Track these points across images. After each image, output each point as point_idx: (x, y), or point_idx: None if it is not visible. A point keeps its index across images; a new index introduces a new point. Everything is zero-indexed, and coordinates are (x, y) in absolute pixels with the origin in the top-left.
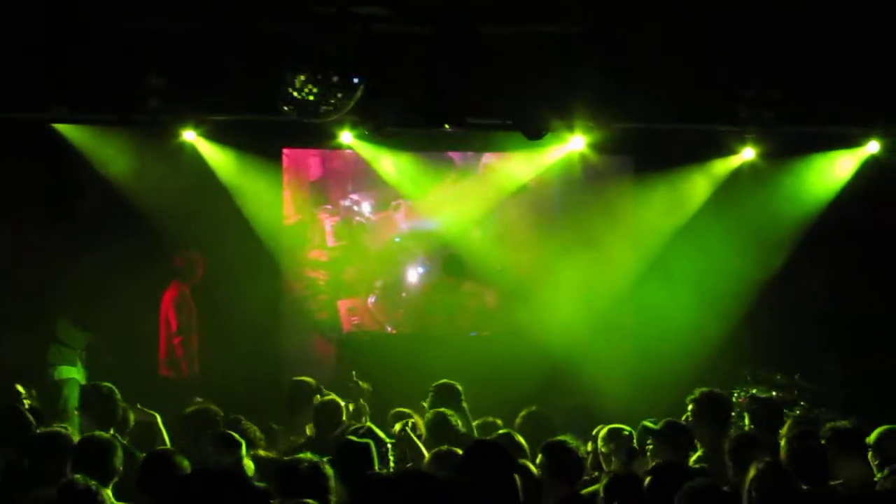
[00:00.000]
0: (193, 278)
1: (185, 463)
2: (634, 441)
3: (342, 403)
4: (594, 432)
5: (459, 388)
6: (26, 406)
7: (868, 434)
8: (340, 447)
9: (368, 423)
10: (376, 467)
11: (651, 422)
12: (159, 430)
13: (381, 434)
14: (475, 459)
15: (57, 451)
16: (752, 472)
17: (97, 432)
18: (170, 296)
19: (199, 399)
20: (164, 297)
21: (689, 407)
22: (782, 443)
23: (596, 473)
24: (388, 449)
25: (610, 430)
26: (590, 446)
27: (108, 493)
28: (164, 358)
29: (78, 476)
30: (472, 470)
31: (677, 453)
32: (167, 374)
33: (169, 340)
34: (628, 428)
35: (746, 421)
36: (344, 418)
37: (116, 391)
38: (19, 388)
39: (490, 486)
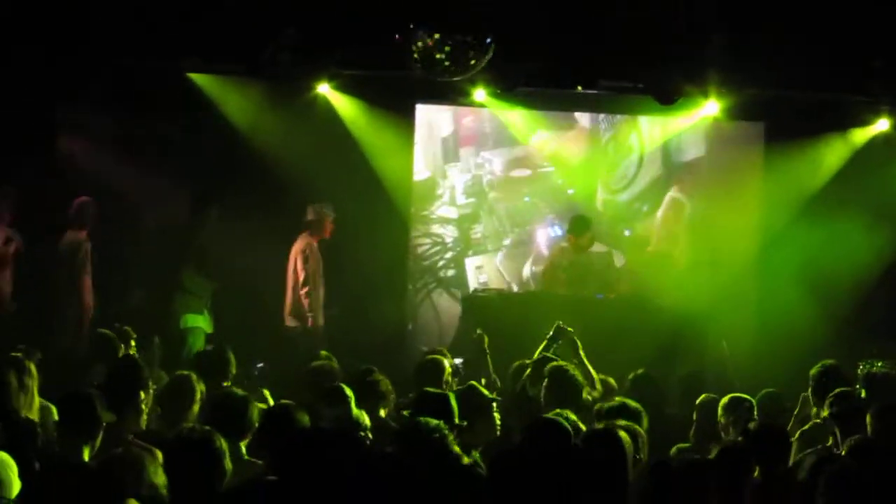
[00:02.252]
0: (323, 233)
1: (306, 418)
2: (755, 412)
3: (446, 363)
4: (697, 402)
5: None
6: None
7: None
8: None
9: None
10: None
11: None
12: None
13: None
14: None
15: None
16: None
17: (235, 388)
18: (298, 248)
19: (324, 353)
20: (292, 248)
21: (811, 377)
22: None
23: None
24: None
25: (731, 399)
26: (694, 416)
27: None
28: (290, 308)
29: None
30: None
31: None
32: (292, 325)
33: (295, 292)
34: (750, 398)
35: (863, 395)
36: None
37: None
38: (129, 330)
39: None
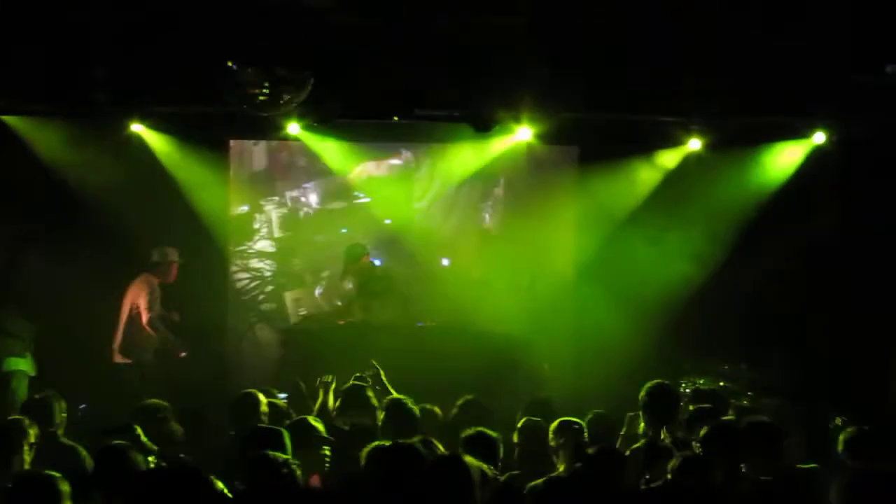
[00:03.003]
0: (168, 276)
1: (140, 458)
2: (585, 435)
3: (262, 398)
4: (519, 425)
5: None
6: None
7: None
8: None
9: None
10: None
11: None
12: None
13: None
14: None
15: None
16: None
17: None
18: (140, 287)
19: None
20: (130, 286)
21: (641, 397)
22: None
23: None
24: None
25: (561, 423)
26: (515, 438)
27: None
28: (121, 346)
29: None
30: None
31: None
32: (122, 362)
33: (130, 328)
34: (580, 421)
35: (690, 408)
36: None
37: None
38: None
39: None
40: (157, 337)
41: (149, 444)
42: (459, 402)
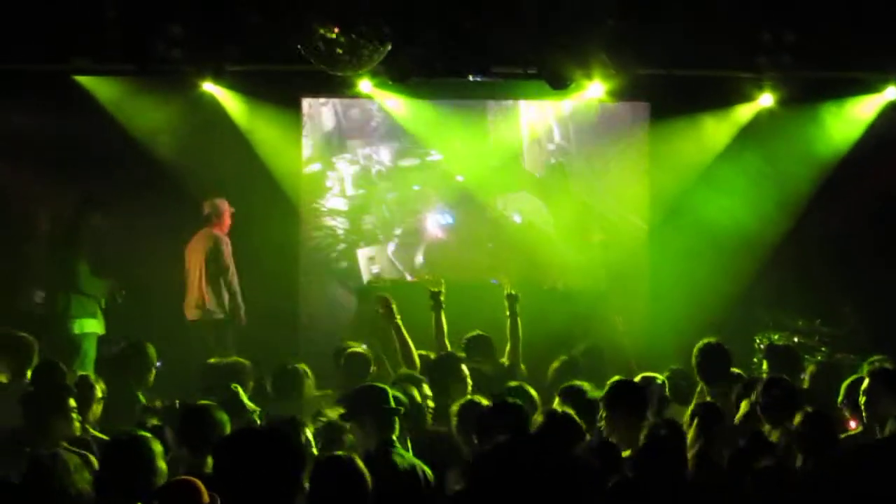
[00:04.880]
0: (222, 225)
1: (225, 417)
2: (667, 390)
3: (369, 355)
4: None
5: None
6: None
7: None
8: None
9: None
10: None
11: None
12: None
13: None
14: None
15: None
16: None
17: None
18: (204, 241)
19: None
20: (192, 242)
21: (693, 356)
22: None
23: None
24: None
25: (643, 379)
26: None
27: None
28: (196, 301)
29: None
30: None
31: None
32: (195, 318)
33: (202, 283)
34: (661, 376)
35: (765, 367)
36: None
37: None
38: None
39: None
40: (228, 293)
41: (249, 403)
42: (555, 364)
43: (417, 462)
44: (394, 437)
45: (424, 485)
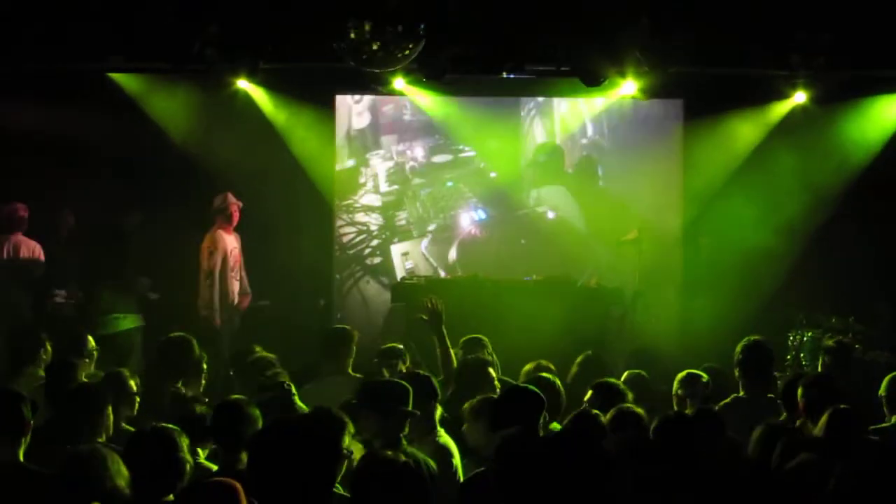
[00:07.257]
0: (230, 220)
1: (257, 412)
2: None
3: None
4: (623, 378)
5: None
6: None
7: None
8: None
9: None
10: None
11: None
12: None
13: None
14: None
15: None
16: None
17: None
18: (208, 239)
19: (257, 347)
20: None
21: (736, 354)
22: None
23: None
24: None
25: (689, 375)
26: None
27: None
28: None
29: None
30: None
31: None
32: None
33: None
34: (706, 375)
35: (820, 363)
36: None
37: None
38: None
39: None
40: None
41: (300, 404)
42: (579, 358)
43: (422, 456)
44: (401, 436)
45: (429, 479)
